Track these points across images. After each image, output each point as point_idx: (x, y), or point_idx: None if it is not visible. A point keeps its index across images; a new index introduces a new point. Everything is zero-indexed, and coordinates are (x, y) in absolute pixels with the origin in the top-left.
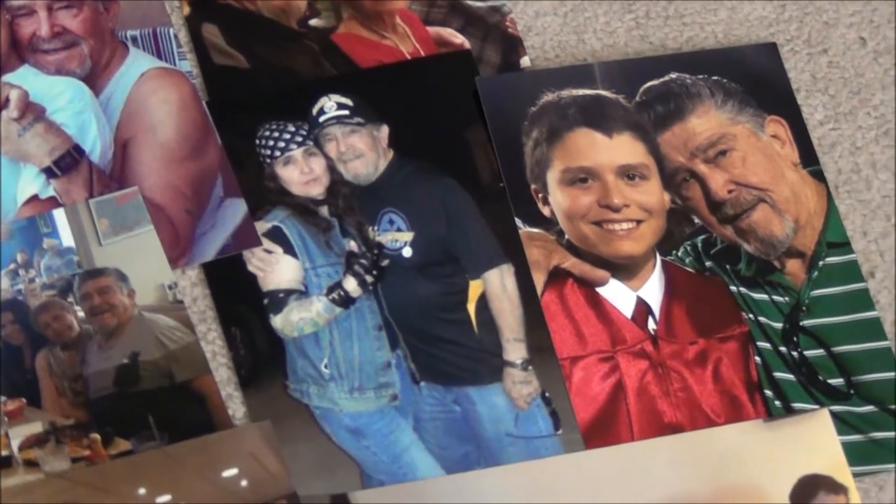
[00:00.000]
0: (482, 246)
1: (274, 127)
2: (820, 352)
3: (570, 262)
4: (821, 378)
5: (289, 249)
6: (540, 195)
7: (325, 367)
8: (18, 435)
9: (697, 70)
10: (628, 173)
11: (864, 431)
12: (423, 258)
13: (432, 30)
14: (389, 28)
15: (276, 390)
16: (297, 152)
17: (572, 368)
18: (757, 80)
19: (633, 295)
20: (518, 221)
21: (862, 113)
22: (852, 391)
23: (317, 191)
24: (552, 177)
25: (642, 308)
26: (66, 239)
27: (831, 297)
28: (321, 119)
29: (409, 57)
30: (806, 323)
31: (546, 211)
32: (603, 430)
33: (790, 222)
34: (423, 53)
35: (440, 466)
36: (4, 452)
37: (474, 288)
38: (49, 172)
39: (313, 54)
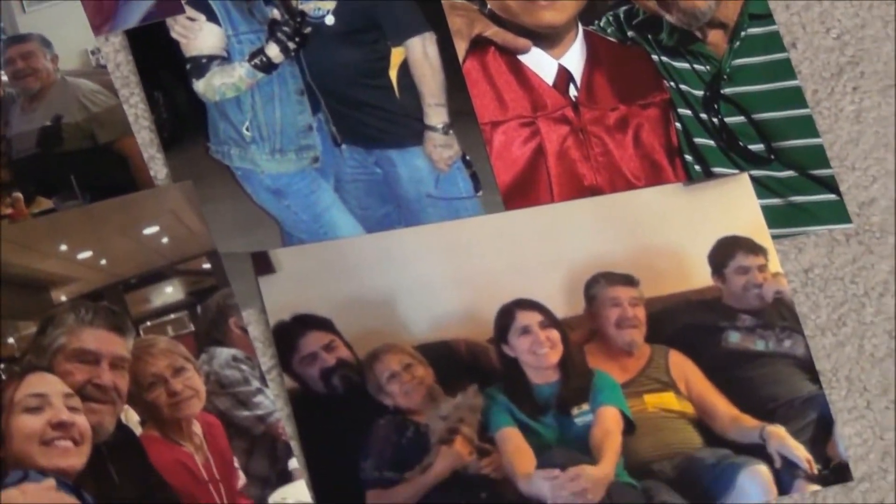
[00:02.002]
0: (405, 14)
1: None
2: (741, 119)
3: (493, 31)
4: (741, 143)
5: (212, 17)
6: None
7: (247, 129)
8: None
9: None
10: None
11: (783, 195)
12: (346, 26)
13: None
14: None
15: (197, 152)
16: None
17: (493, 133)
18: None
19: (555, 63)
20: None
21: None
22: (773, 156)
23: None
24: None
25: (564, 75)
26: None
27: (753, 66)
28: None
29: None
30: (727, 91)
31: None
32: (523, 192)
33: None
34: None
35: (361, 226)
36: None
37: (396, 55)
38: None
39: None
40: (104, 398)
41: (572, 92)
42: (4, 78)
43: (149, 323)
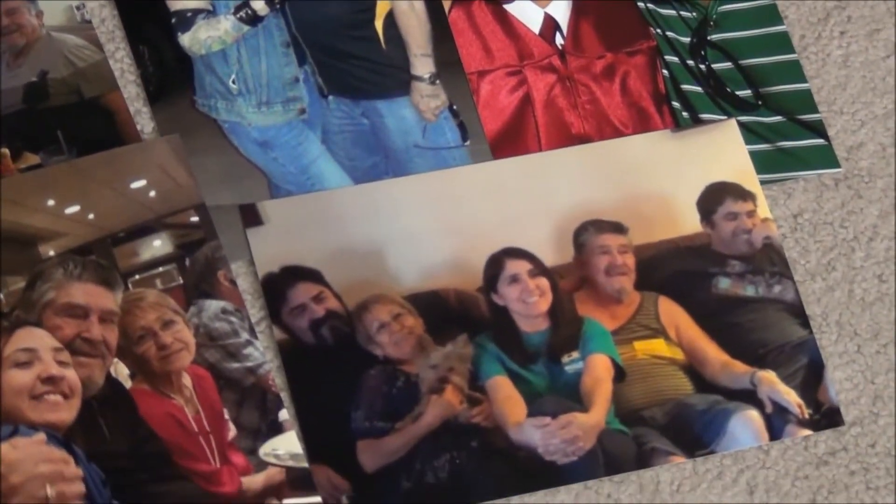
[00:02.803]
0: None
1: None
2: (728, 64)
3: None
4: (729, 89)
5: None
6: None
7: (233, 82)
8: None
9: None
10: None
11: (771, 141)
12: None
13: None
14: None
15: (184, 105)
16: None
17: (480, 82)
18: None
19: (541, 11)
20: None
21: None
22: (760, 102)
23: None
24: None
25: (550, 24)
26: None
27: (739, 11)
28: None
29: None
30: (714, 37)
31: None
32: (510, 141)
33: None
34: None
35: (348, 177)
36: None
37: (382, 6)
38: None
39: None
40: (93, 352)
41: (559, 40)
42: None
43: (137, 276)
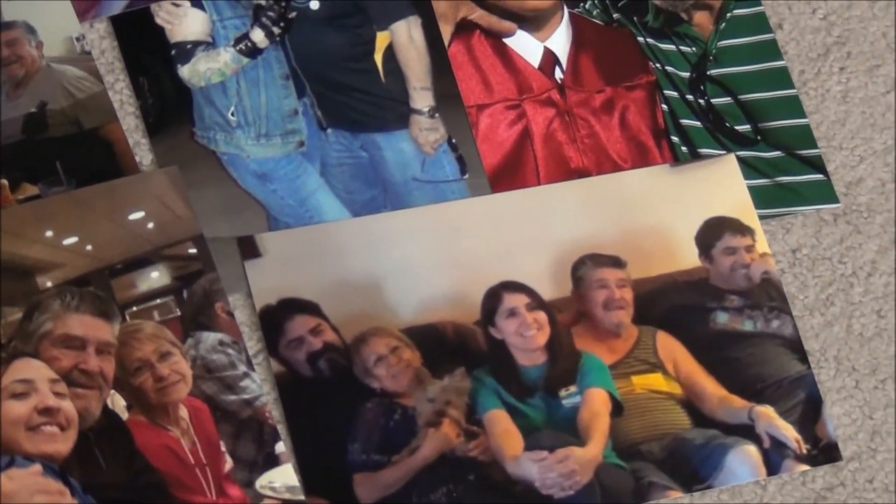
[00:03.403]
0: None
1: None
2: (727, 99)
3: (478, 14)
4: (728, 124)
5: (196, 2)
6: None
7: (232, 114)
8: None
9: None
10: None
11: (770, 175)
12: (331, 10)
13: None
14: None
15: (183, 137)
16: None
17: (479, 116)
18: None
19: (541, 45)
20: None
21: None
22: (759, 137)
23: None
24: None
25: (549, 58)
26: None
27: (739, 47)
28: None
29: None
30: (713, 72)
31: None
32: (509, 174)
33: None
34: None
35: (347, 210)
36: None
37: (381, 39)
38: None
39: None
40: (90, 383)
41: (558, 74)
42: None
43: (135, 308)
